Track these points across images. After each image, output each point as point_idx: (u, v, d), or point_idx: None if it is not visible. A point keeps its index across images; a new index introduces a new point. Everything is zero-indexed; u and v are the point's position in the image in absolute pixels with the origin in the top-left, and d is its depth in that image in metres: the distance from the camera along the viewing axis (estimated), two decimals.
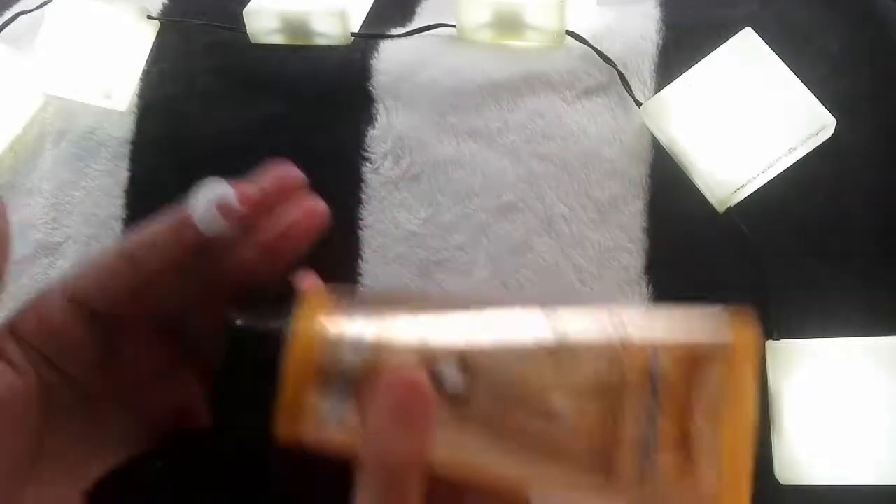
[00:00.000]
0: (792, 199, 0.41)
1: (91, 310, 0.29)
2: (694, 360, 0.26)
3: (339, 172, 0.45)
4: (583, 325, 0.26)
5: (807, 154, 0.41)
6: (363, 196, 0.45)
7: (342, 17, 0.47)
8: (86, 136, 0.49)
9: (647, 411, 0.25)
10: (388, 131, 0.45)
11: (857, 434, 0.38)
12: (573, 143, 0.43)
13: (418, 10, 0.51)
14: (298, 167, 0.45)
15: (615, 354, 0.25)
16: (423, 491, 0.24)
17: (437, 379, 0.25)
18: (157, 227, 0.29)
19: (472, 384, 0.25)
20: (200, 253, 0.29)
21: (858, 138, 0.41)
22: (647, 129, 0.43)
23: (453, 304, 0.27)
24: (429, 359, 0.25)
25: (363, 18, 0.49)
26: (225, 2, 0.50)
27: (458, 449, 0.26)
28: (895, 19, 0.43)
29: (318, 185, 0.35)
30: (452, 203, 0.44)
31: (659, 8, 0.46)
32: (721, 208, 0.41)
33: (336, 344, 0.25)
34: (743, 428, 0.26)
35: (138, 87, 0.49)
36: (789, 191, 0.41)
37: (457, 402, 0.25)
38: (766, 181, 0.41)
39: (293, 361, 0.25)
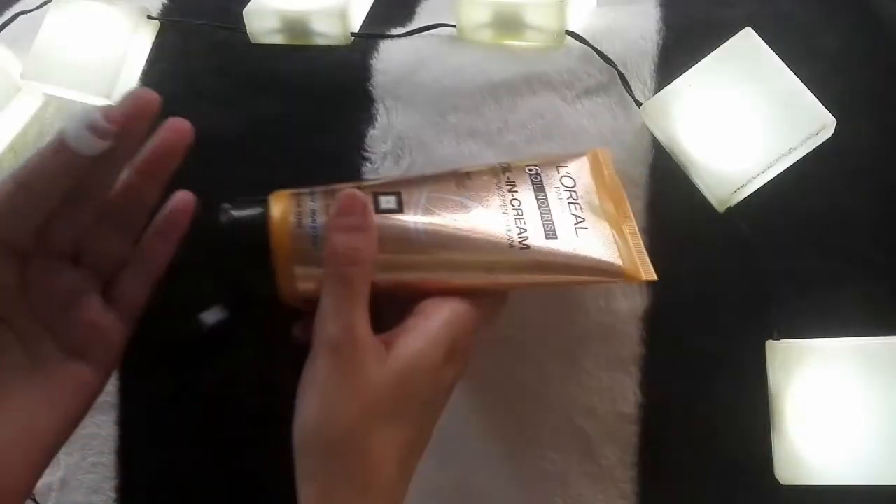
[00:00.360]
0: (792, 199, 0.41)
1: None
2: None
3: (339, 172, 0.45)
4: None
5: (807, 154, 0.41)
6: None
7: (342, 17, 0.47)
8: None
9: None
10: (388, 131, 0.45)
11: (857, 434, 0.38)
12: (573, 144, 0.43)
13: (418, 10, 0.51)
14: (299, 167, 0.45)
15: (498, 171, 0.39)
16: (368, 286, 0.33)
17: (375, 202, 0.35)
18: (41, 150, 0.31)
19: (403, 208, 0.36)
20: (83, 178, 0.32)
21: (858, 138, 0.41)
22: (647, 129, 0.43)
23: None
24: (367, 190, 0.36)
25: (363, 18, 0.49)
26: (225, 2, 0.50)
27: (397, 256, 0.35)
28: (895, 19, 0.43)
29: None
30: None
31: (659, 8, 0.46)
32: (721, 208, 0.41)
33: (300, 217, 0.35)
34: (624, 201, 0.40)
35: (138, 87, 0.49)
36: (789, 191, 0.41)
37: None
38: (766, 181, 0.41)
39: (275, 241, 0.35)
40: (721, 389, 0.41)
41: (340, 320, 0.32)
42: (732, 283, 0.41)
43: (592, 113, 0.44)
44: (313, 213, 0.35)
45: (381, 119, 0.46)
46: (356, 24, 0.49)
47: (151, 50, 0.50)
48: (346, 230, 0.33)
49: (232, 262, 0.35)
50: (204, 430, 0.46)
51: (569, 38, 0.45)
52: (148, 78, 0.49)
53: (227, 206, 0.36)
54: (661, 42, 0.44)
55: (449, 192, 0.37)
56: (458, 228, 0.36)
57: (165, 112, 0.49)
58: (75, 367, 0.35)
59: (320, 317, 0.33)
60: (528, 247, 0.36)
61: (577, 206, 0.39)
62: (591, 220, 0.38)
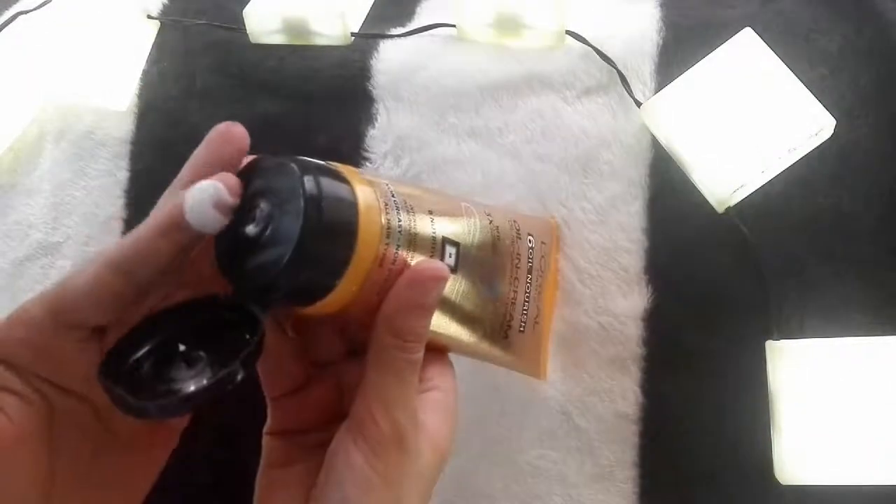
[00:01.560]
0: (792, 199, 0.41)
1: (79, 323, 0.29)
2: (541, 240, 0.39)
3: None
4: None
5: (807, 154, 0.41)
6: None
7: (342, 17, 0.47)
8: (85, 136, 0.49)
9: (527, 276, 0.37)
10: (388, 131, 0.45)
11: (857, 434, 0.38)
12: (573, 144, 0.43)
13: (418, 10, 0.51)
14: None
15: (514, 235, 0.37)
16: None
17: (441, 251, 0.32)
18: (146, 234, 0.28)
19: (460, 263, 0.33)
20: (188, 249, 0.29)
21: (858, 138, 0.41)
22: (647, 129, 0.43)
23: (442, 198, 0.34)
24: (439, 246, 0.32)
25: (363, 18, 0.49)
26: (225, 2, 0.50)
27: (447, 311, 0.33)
28: (895, 19, 0.43)
29: None
30: None
31: (659, 8, 0.46)
32: (720, 208, 0.41)
33: (389, 231, 0.29)
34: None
35: (138, 86, 0.49)
36: (789, 191, 0.41)
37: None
38: (765, 181, 0.41)
39: (361, 243, 0.28)
40: (721, 389, 0.41)
41: (408, 408, 0.29)
42: (732, 283, 0.41)
43: (592, 113, 0.44)
44: (399, 231, 0.30)
45: (381, 119, 0.46)
46: (356, 24, 0.49)
47: (151, 50, 0.50)
48: (421, 310, 0.30)
49: (307, 248, 0.27)
50: (196, 428, 0.46)
51: (569, 38, 0.45)
52: (148, 78, 0.49)
53: (302, 169, 0.28)
54: (661, 42, 0.44)
55: (485, 253, 0.34)
56: (476, 305, 0.34)
57: (165, 111, 0.49)
58: (148, 431, 0.32)
59: (379, 399, 0.29)
60: (507, 336, 0.36)
61: (538, 292, 0.38)
62: (538, 313, 0.38)
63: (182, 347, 0.28)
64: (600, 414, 0.42)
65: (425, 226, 0.31)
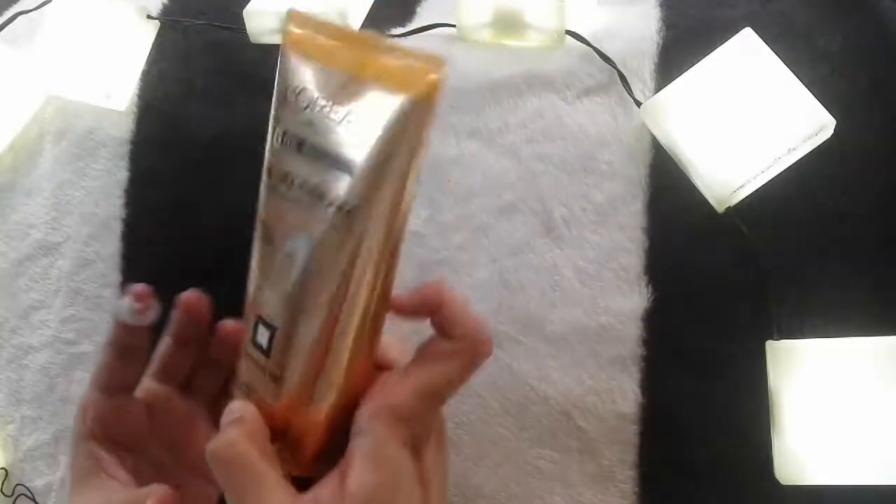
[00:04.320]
0: (792, 199, 0.41)
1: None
2: None
3: None
4: None
5: (807, 154, 0.41)
6: None
7: (342, 17, 0.47)
8: (86, 136, 0.49)
9: None
10: None
11: (857, 434, 0.38)
12: (573, 144, 0.43)
13: (418, 10, 0.51)
14: None
15: None
16: None
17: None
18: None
19: None
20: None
21: (858, 138, 0.41)
22: (647, 129, 0.43)
23: None
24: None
25: (363, 18, 0.49)
26: (225, 2, 0.50)
27: None
28: (895, 19, 0.43)
29: None
30: (453, 203, 0.44)
31: (659, 8, 0.46)
32: (720, 208, 0.41)
33: None
34: None
35: (138, 87, 0.49)
36: (789, 191, 0.41)
37: None
38: (765, 181, 0.41)
39: None
40: (721, 389, 0.41)
41: None
42: (732, 283, 0.41)
43: (592, 113, 0.44)
44: None
45: None
46: (356, 24, 0.49)
47: (151, 50, 0.50)
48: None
49: None
50: None
51: (569, 38, 0.45)
52: (148, 78, 0.49)
53: None
54: (661, 42, 0.44)
55: None
56: None
57: (165, 111, 0.49)
58: (198, 482, 0.37)
59: None
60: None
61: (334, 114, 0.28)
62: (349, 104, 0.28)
63: None
64: (600, 414, 0.42)
65: None
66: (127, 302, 0.35)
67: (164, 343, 0.37)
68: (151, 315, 0.35)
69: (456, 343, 0.30)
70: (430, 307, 0.31)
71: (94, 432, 0.36)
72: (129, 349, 0.36)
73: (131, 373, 0.37)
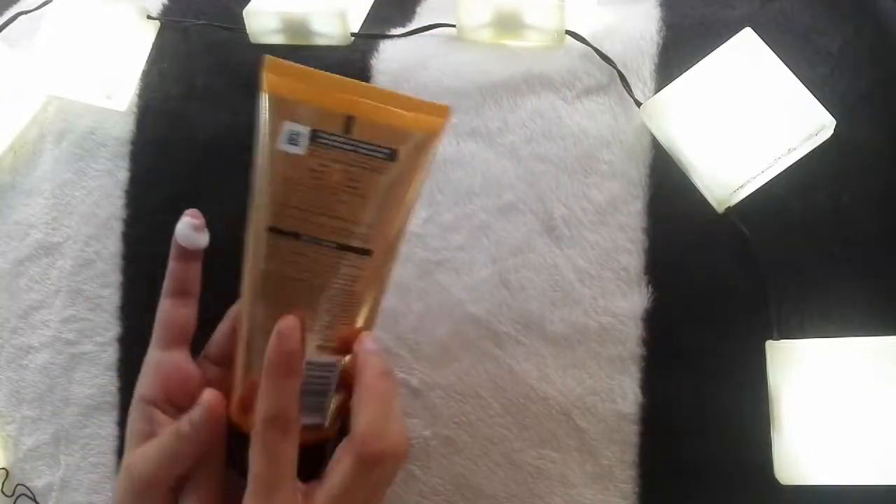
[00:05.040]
0: (792, 199, 0.41)
1: None
2: None
3: None
4: None
5: (807, 154, 0.41)
6: None
7: (342, 17, 0.47)
8: (86, 136, 0.49)
9: None
10: None
11: (857, 434, 0.38)
12: (573, 144, 0.43)
13: (418, 10, 0.51)
14: None
15: None
16: None
17: None
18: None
19: None
20: None
21: (858, 138, 0.41)
22: (647, 129, 0.43)
23: None
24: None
25: (363, 18, 0.49)
26: (225, 2, 0.50)
27: None
28: (895, 19, 0.43)
29: None
30: (452, 203, 0.44)
31: (659, 8, 0.46)
32: (720, 208, 0.41)
33: None
34: None
35: (138, 87, 0.49)
36: (789, 191, 0.41)
37: None
38: (765, 181, 0.41)
39: None
40: (721, 389, 0.41)
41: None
42: (732, 283, 0.41)
43: (592, 113, 0.44)
44: None
45: None
46: (356, 24, 0.49)
47: (151, 50, 0.50)
48: None
49: None
50: None
51: (569, 38, 0.45)
52: (148, 78, 0.49)
53: None
54: (661, 42, 0.44)
55: None
56: None
57: (165, 112, 0.49)
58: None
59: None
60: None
61: None
62: None
63: None
64: (600, 414, 0.42)
65: None
66: (186, 220, 0.39)
67: (221, 329, 0.41)
68: (205, 238, 0.40)
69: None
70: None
71: (154, 395, 0.38)
72: (184, 285, 0.40)
73: (189, 311, 0.40)
